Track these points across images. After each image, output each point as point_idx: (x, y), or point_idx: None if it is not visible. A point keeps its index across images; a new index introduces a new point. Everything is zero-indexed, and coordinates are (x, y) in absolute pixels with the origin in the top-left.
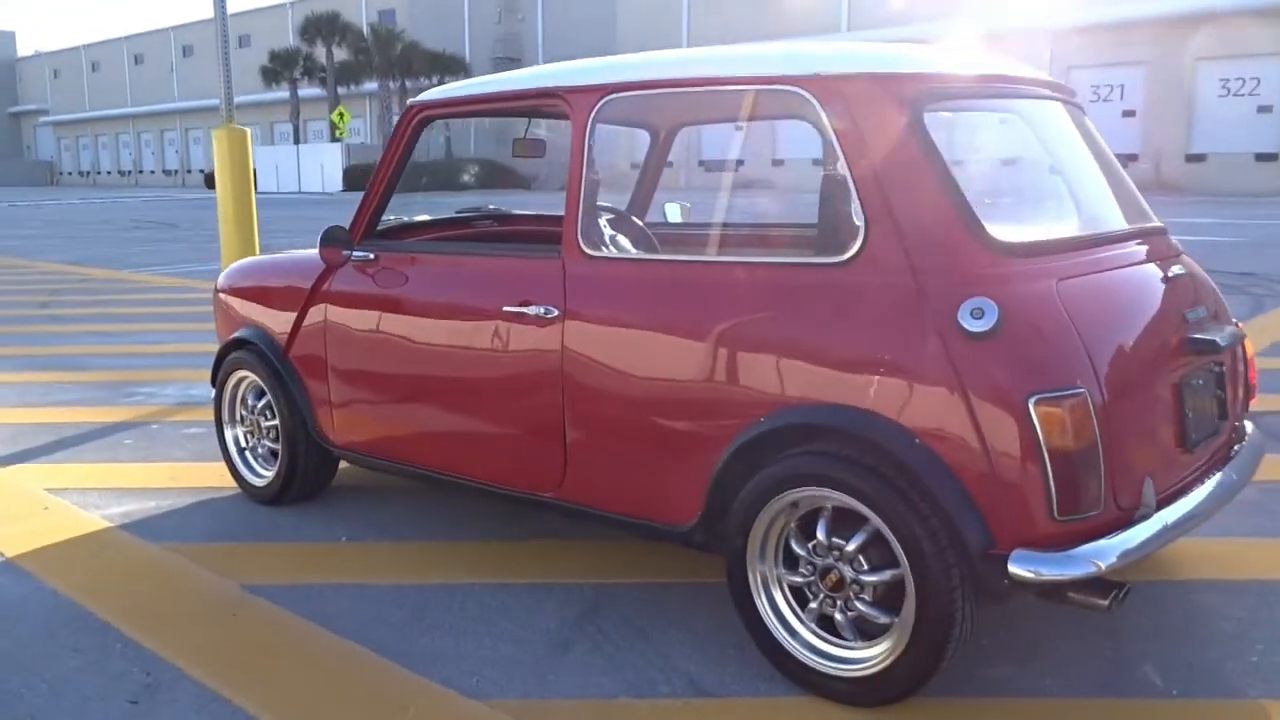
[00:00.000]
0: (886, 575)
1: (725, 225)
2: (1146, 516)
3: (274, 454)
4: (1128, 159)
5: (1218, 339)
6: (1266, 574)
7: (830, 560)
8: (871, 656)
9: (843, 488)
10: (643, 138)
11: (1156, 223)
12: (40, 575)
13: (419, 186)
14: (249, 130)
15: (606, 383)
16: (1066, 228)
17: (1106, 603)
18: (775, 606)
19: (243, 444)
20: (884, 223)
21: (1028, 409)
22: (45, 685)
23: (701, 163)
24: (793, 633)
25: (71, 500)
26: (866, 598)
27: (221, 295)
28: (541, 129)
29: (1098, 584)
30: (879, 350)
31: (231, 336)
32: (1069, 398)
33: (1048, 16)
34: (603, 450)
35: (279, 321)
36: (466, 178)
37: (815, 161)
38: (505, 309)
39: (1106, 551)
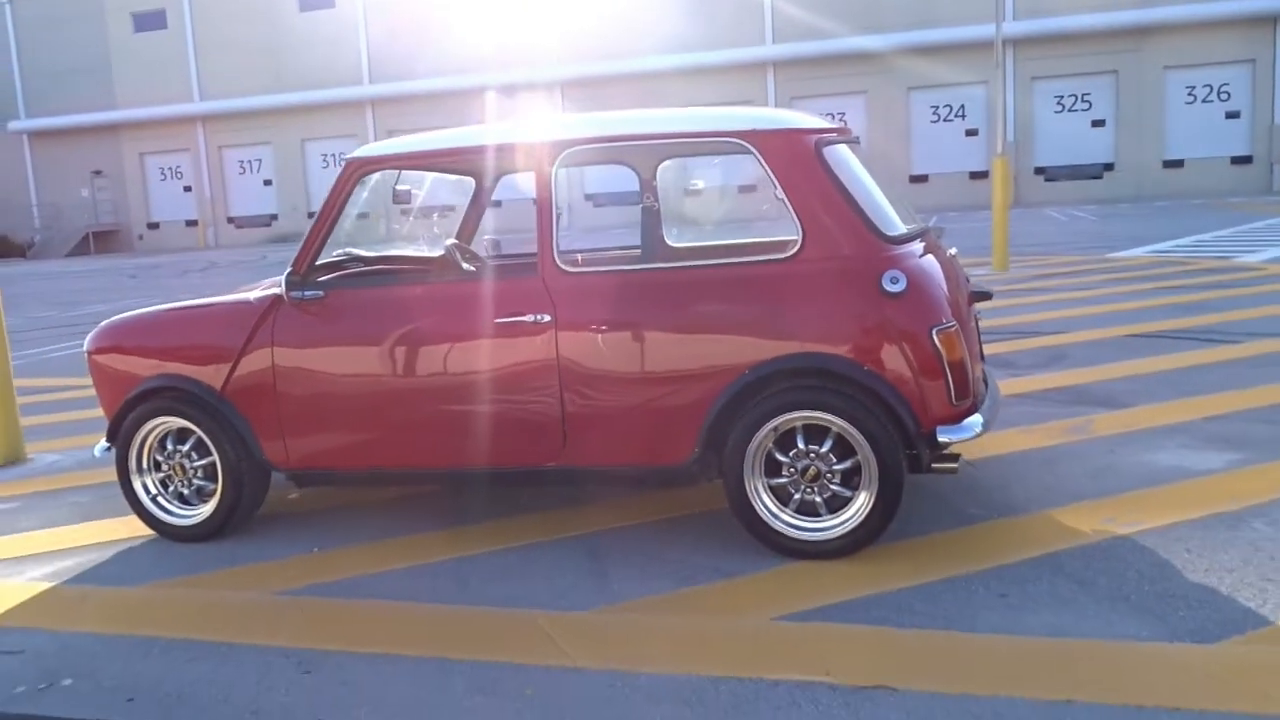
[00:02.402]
0: (849, 463)
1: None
2: (982, 400)
3: (199, 492)
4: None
5: (986, 290)
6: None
7: (809, 460)
8: (843, 521)
9: (819, 407)
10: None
11: (931, 223)
12: (54, 627)
13: None
14: None
15: (604, 368)
16: (905, 223)
17: (956, 466)
18: (765, 505)
19: (152, 491)
20: (816, 227)
21: (932, 336)
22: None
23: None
24: (779, 520)
25: None
26: (836, 482)
27: (105, 355)
28: (407, 184)
29: (949, 456)
30: (827, 311)
31: (140, 389)
32: (951, 328)
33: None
34: (603, 419)
35: (206, 365)
36: None
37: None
38: (498, 320)
39: (976, 423)
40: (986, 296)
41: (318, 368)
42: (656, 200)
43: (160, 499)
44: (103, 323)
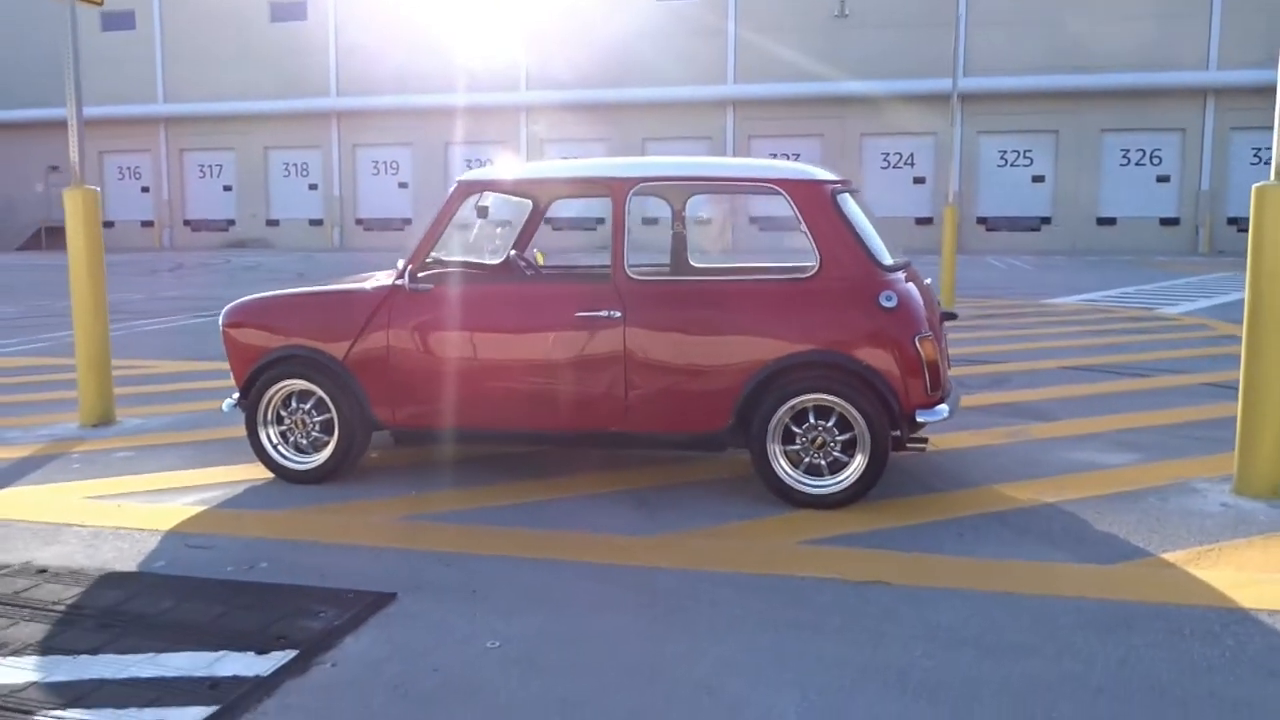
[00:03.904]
0: (847, 435)
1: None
2: (949, 395)
3: (315, 443)
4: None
5: (953, 312)
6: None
7: (817, 432)
8: (841, 479)
9: (829, 391)
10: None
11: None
12: (234, 533)
13: None
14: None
15: (663, 355)
16: (893, 257)
17: (925, 447)
18: (782, 466)
19: (275, 440)
20: (829, 255)
21: (915, 342)
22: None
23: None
24: (792, 477)
25: (134, 501)
26: (837, 450)
27: (240, 329)
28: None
29: (920, 440)
30: (838, 320)
31: (272, 356)
32: (929, 337)
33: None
34: (659, 394)
35: (331, 339)
36: None
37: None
38: (577, 315)
39: (944, 410)
40: (953, 316)
41: (425, 345)
42: (684, 227)
43: (280, 448)
44: (234, 302)
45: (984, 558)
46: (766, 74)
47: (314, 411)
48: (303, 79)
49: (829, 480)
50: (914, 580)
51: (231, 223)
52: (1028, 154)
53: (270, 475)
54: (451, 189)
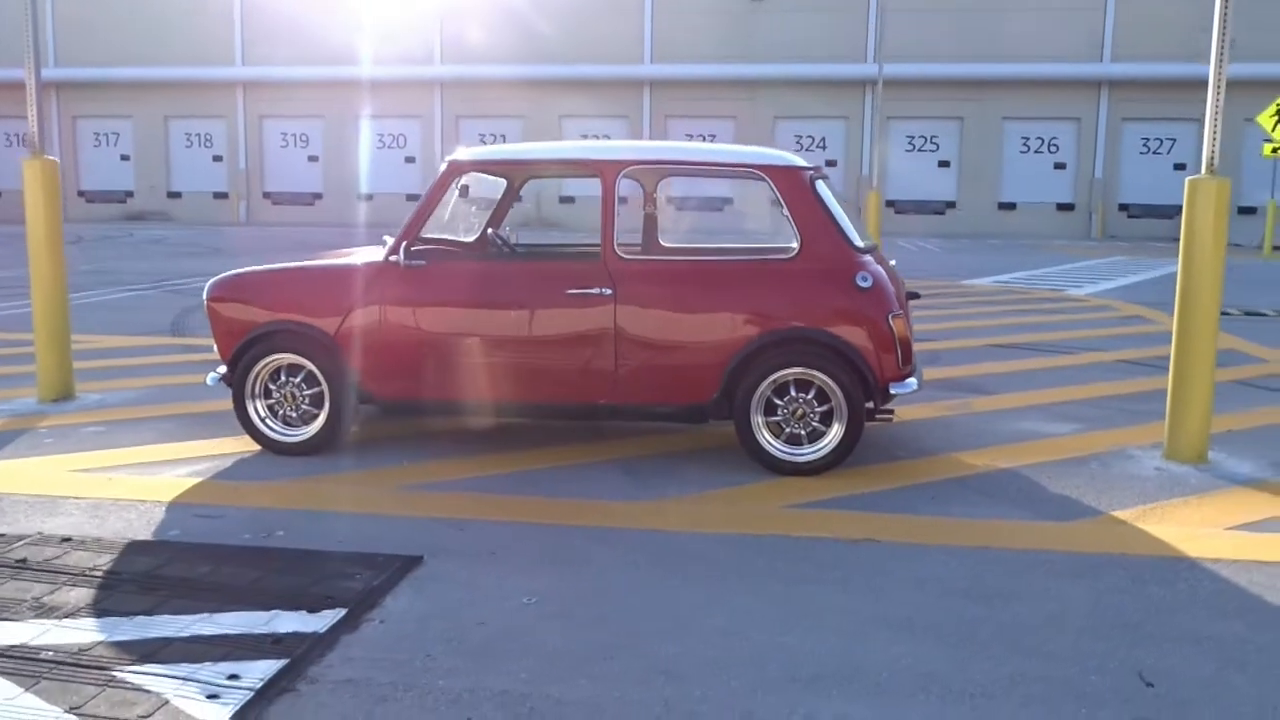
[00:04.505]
0: (825, 407)
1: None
2: (916, 369)
3: (304, 417)
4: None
5: (916, 292)
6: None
7: (798, 404)
8: (819, 448)
9: (809, 365)
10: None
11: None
12: (240, 503)
13: None
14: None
15: (652, 331)
16: (863, 240)
17: (891, 418)
18: (764, 436)
19: (263, 414)
20: (809, 238)
21: (888, 320)
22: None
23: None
24: (774, 446)
25: (123, 474)
26: (815, 420)
27: (225, 303)
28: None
29: (887, 412)
30: (818, 299)
31: (260, 330)
32: (900, 315)
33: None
34: (648, 368)
35: (322, 314)
36: None
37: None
38: (569, 292)
39: (913, 383)
40: (916, 296)
41: (418, 320)
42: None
43: (268, 421)
44: (218, 276)
45: (957, 517)
46: (683, 55)
47: (304, 385)
48: (206, 46)
49: (808, 449)
50: (900, 538)
51: (130, 194)
52: (934, 140)
53: (256, 448)
54: (443, 168)
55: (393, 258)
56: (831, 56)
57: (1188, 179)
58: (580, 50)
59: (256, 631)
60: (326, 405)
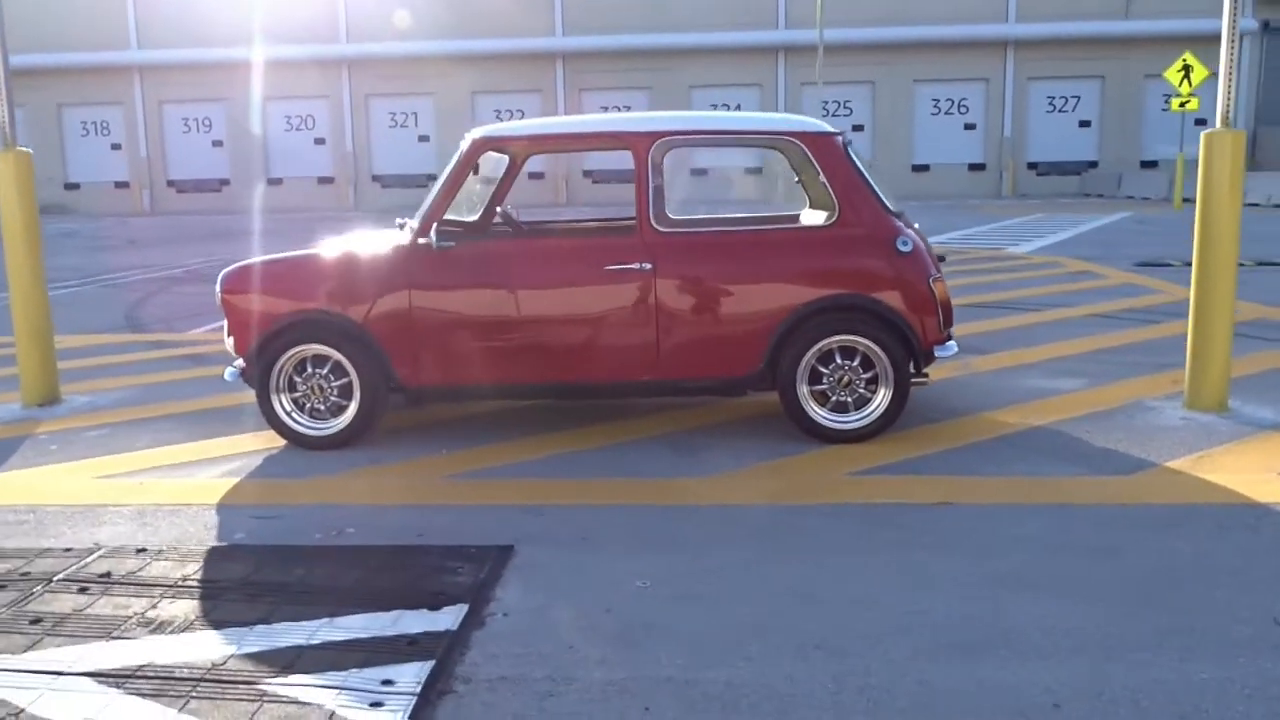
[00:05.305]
0: (871, 373)
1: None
2: (952, 335)
3: (333, 409)
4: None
5: (943, 255)
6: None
7: (843, 371)
8: (866, 414)
9: (854, 332)
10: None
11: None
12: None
13: None
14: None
15: (694, 304)
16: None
17: (926, 380)
18: (811, 405)
19: (288, 408)
20: (848, 204)
21: (930, 284)
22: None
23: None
24: (820, 415)
25: (152, 478)
26: (861, 387)
27: (242, 294)
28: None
29: (922, 375)
30: (860, 265)
31: (280, 323)
32: (940, 278)
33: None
34: (691, 342)
35: (349, 301)
36: None
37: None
38: (608, 268)
39: (954, 345)
40: (942, 259)
41: (452, 304)
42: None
43: (294, 414)
44: (230, 268)
45: (1019, 475)
46: (595, 26)
47: (331, 376)
48: (99, 29)
49: (855, 416)
50: (975, 499)
51: None
52: (848, 104)
53: (281, 443)
54: (466, 145)
55: (422, 240)
56: (743, 24)
57: (1203, 133)
58: (493, 24)
59: (388, 634)
60: (356, 396)
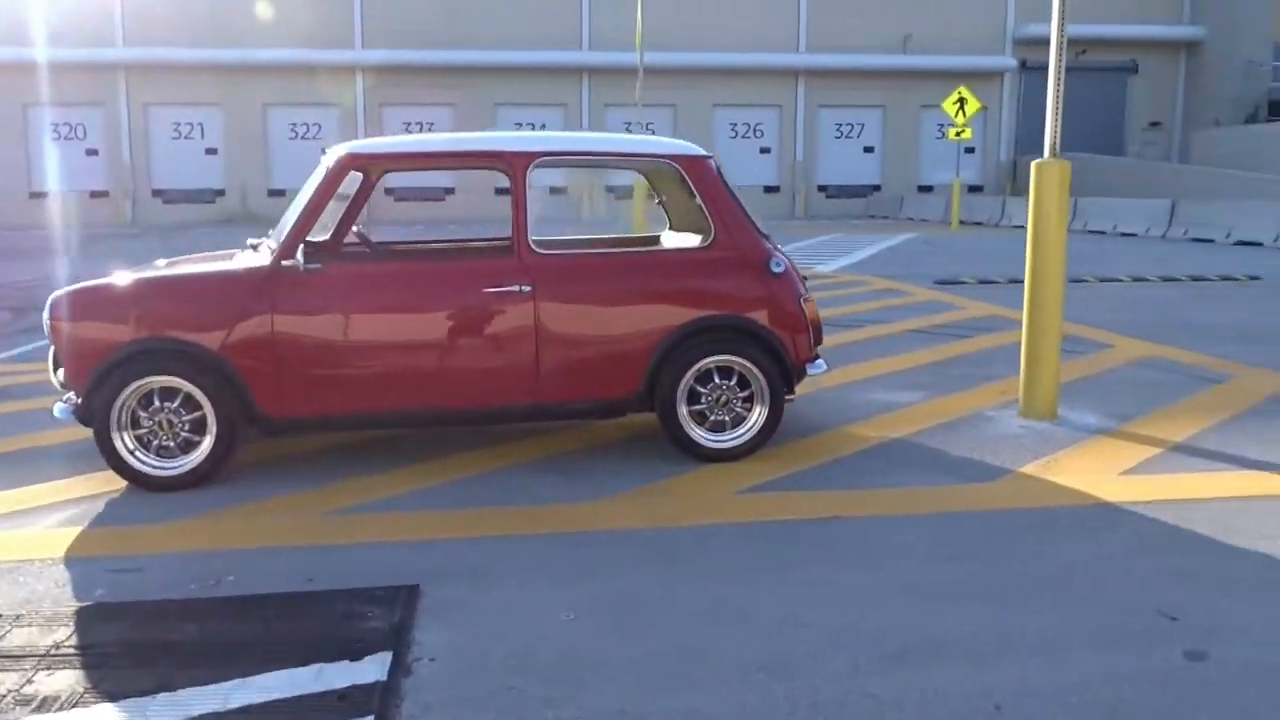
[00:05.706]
0: (748, 391)
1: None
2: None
3: (183, 446)
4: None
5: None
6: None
7: (721, 390)
8: (742, 433)
9: (732, 352)
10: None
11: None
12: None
13: None
14: None
15: (574, 326)
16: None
17: (793, 398)
18: (690, 425)
19: (131, 446)
20: (723, 227)
21: (800, 303)
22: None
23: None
24: (698, 434)
25: None
26: (738, 406)
27: (75, 322)
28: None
29: (791, 392)
30: (735, 286)
31: (125, 352)
32: (809, 297)
33: None
34: (571, 364)
35: (202, 328)
36: None
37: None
38: (485, 290)
39: (822, 362)
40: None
41: (320, 329)
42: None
43: (138, 453)
44: (61, 291)
45: (895, 487)
46: (396, 41)
47: (182, 410)
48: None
49: (732, 434)
50: (860, 511)
51: None
52: (650, 127)
53: (121, 485)
54: (333, 162)
55: (286, 261)
56: (547, 44)
57: (1034, 162)
58: (285, 35)
59: (314, 690)
60: (212, 431)
